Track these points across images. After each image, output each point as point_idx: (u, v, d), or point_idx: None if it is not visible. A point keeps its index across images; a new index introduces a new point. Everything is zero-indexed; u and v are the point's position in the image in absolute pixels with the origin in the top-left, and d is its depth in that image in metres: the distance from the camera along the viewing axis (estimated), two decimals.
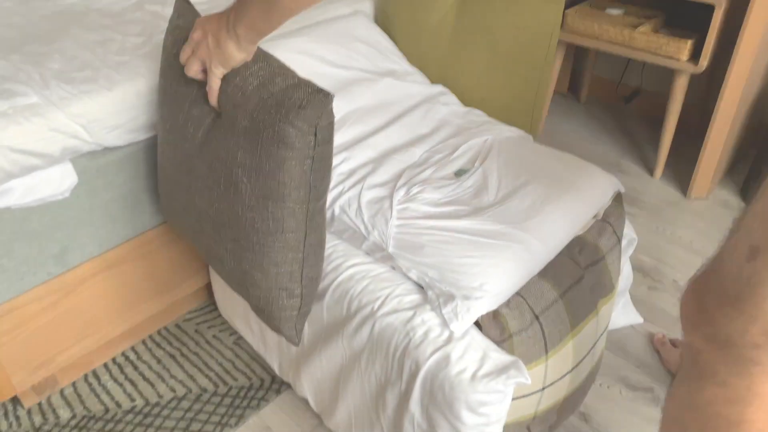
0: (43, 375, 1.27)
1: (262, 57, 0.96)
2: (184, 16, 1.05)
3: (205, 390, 1.36)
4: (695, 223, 1.91)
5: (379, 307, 1.02)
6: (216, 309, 1.56)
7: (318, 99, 0.86)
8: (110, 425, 1.29)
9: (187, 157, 1.05)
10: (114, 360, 1.44)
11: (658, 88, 2.43)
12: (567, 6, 2.10)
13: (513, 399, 1.00)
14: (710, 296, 0.74)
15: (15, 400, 1.34)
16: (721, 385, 0.75)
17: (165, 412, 1.32)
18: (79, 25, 1.34)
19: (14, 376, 1.21)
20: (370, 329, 1.03)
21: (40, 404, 1.34)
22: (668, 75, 1.95)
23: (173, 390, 1.37)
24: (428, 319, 0.99)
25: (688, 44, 1.80)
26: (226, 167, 0.96)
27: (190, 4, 1.07)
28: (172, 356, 1.45)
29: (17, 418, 1.31)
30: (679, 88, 1.94)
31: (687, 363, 0.81)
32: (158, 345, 1.48)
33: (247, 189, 0.93)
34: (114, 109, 1.13)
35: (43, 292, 1.19)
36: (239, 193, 0.95)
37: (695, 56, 1.85)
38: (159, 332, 1.51)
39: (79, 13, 1.41)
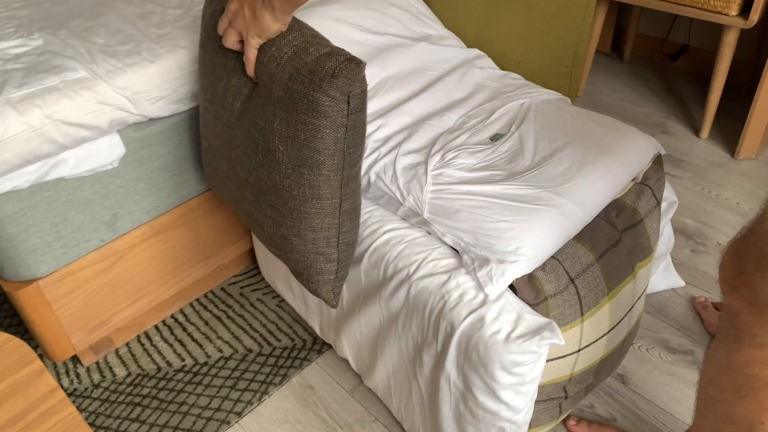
0: (100, 336, 1.35)
1: (297, 26, 0.97)
2: None
3: (250, 350, 1.42)
4: (742, 184, 1.86)
5: (415, 271, 1.05)
6: (259, 273, 1.61)
7: (350, 67, 0.88)
8: (162, 383, 1.37)
9: (227, 127, 1.08)
10: (164, 322, 1.51)
11: (706, 44, 2.34)
12: None
13: (549, 360, 1.02)
14: (749, 258, 0.73)
15: (75, 359, 1.43)
16: (758, 348, 0.75)
17: (213, 371, 1.38)
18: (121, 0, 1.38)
19: (73, 336, 1.29)
20: (407, 292, 1.06)
21: (97, 363, 1.42)
22: (716, 31, 1.88)
23: (220, 350, 1.43)
24: (463, 282, 1.01)
25: None
26: (264, 136, 0.98)
27: None
28: (219, 318, 1.51)
29: (77, 375, 1.40)
30: (728, 45, 1.86)
31: (725, 325, 0.81)
32: (205, 307, 1.54)
33: (284, 157, 0.96)
34: (157, 81, 1.17)
35: (96, 258, 1.26)
36: (276, 161, 0.97)
37: (745, 10, 1.77)
38: (206, 295, 1.58)
39: None
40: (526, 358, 0.94)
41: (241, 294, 1.57)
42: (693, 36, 2.35)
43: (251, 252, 1.62)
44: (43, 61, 1.14)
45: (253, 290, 1.58)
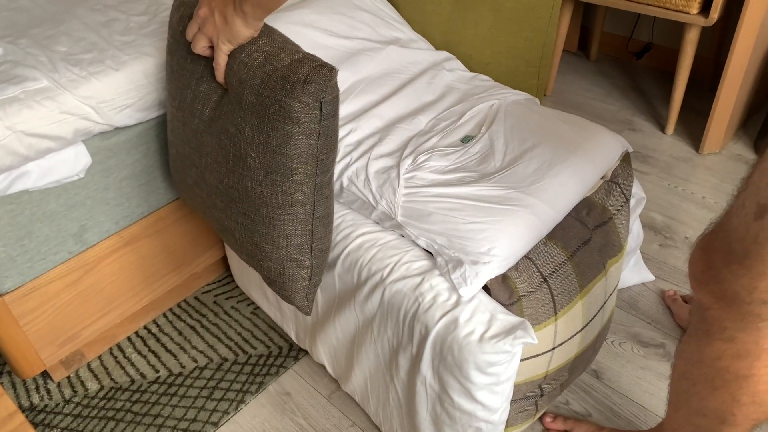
0: (70, 350, 1.32)
1: (267, 32, 0.97)
2: None
3: (225, 359, 1.41)
4: (708, 178, 1.90)
5: (389, 274, 1.05)
6: (233, 281, 1.60)
7: (322, 73, 0.87)
8: (136, 395, 1.34)
9: (196, 134, 1.07)
10: (137, 333, 1.49)
11: (669, 42, 2.39)
12: None
13: (523, 359, 1.03)
14: (718, 254, 0.75)
15: (45, 375, 1.39)
16: (728, 341, 0.76)
17: (188, 382, 1.37)
18: (84, 6, 1.35)
19: (42, 351, 1.27)
20: (381, 296, 1.06)
21: (69, 378, 1.39)
22: (679, 29, 1.92)
23: (195, 360, 1.41)
24: (437, 284, 1.01)
25: None
26: (234, 143, 0.97)
27: None
28: (193, 328, 1.49)
29: (48, 391, 1.37)
30: (690, 42, 1.90)
31: (695, 319, 0.82)
32: (179, 317, 1.52)
33: (256, 164, 0.95)
34: (122, 89, 1.15)
35: (64, 271, 1.23)
36: (248, 168, 0.97)
37: (705, 9, 1.81)
38: (179, 305, 1.55)
39: None
40: (500, 358, 0.94)
41: (215, 302, 1.56)
42: (656, 34, 2.40)
43: (224, 260, 1.60)
44: (3, 71, 1.11)
45: (227, 298, 1.56)
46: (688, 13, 1.82)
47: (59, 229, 1.19)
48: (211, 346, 1.44)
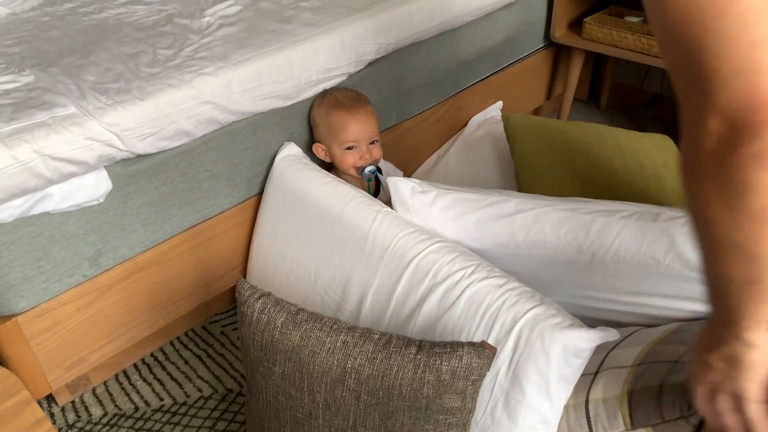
0: (77, 374, 1.32)
1: None
2: None
3: (230, 390, 1.41)
4: None
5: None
6: None
7: None
8: (140, 423, 1.34)
9: None
10: (143, 360, 1.49)
11: None
12: (585, 14, 2.12)
13: None
14: None
15: (50, 398, 1.39)
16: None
17: (192, 411, 1.36)
18: (113, 39, 1.40)
19: (50, 374, 1.27)
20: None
21: (73, 402, 1.39)
22: None
23: (200, 390, 1.41)
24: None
25: None
26: None
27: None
28: (199, 357, 1.49)
29: (51, 415, 1.36)
30: None
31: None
32: (185, 346, 1.53)
33: None
34: (146, 118, 1.18)
35: (77, 294, 1.25)
36: None
37: None
38: (186, 334, 1.56)
39: (112, 27, 1.47)
40: (586, 346, 0.96)
41: (222, 333, 1.56)
42: (666, 85, 2.44)
43: (233, 290, 1.61)
44: (34, 97, 1.15)
45: (233, 329, 1.57)
46: None
47: (75, 252, 1.21)
48: (217, 377, 1.44)
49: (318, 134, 1.50)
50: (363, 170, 1.46)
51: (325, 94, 1.48)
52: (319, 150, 1.50)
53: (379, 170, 1.54)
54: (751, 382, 0.62)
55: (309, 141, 1.54)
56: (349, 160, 1.45)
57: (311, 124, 1.51)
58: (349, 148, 1.44)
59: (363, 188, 1.41)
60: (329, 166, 1.51)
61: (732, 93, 0.44)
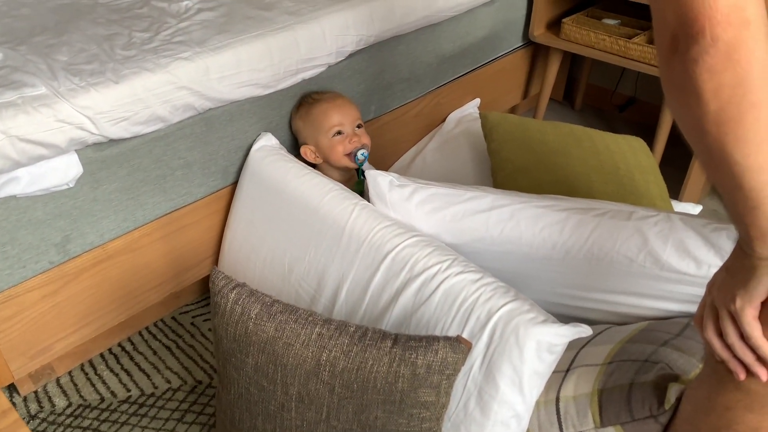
0: (41, 363, 1.29)
1: None
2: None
3: (200, 382, 1.38)
4: None
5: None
6: None
7: None
8: (105, 414, 1.31)
9: None
10: (110, 350, 1.46)
11: (652, 97, 2.47)
12: (564, 15, 2.14)
13: None
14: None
15: (11, 388, 1.35)
16: (743, 392, 0.76)
17: (160, 403, 1.34)
18: (87, 19, 1.36)
19: (12, 363, 1.23)
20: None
21: (36, 392, 1.35)
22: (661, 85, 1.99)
23: (168, 381, 1.39)
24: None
25: None
26: None
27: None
28: (168, 348, 1.47)
29: (13, 405, 1.32)
30: None
31: (708, 368, 0.82)
32: (154, 337, 1.50)
33: None
34: (120, 102, 1.15)
35: (44, 281, 1.21)
36: None
37: None
38: (155, 324, 1.53)
39: (86, 7, 1.43)
40: (559, 341, 0.97)
41: (192, 324, 1.53)
42: (640, 89, 2.48)
43: (204, 281, 1.59)
44: (2, 76, 1.11)
45: (204, 320, 1.54)
46: None
47: (42, 238, 1.18)
48: (186, 368, 1.42)
49: (303, 136, 1.49)
50: (355, 155, 1.45)
51: (300, 100, 1.49)
52: (307, 152, 1.48)
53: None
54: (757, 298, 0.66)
55: (286, 132, 1.52)
56: (339, 148, 1.45)
57: (294, 132, 1.51)
58: (336, 135, 1.44)
59: (350, 186, 1.39)
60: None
61: (674, 11, 0.55)
